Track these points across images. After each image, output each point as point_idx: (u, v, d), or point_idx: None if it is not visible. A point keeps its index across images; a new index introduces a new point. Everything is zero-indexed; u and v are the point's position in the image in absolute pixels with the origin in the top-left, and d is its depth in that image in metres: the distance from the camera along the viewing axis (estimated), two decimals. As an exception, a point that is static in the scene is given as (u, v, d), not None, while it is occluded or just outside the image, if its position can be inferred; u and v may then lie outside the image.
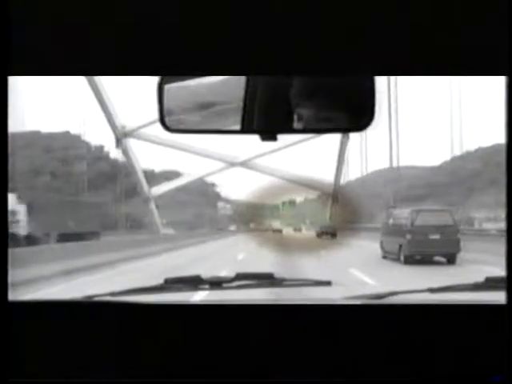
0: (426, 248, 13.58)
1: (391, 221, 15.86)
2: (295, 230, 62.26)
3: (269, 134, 1.37)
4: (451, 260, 13.53)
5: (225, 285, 2.03)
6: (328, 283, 2.14)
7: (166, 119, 1.36)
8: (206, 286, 2.00)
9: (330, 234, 29.71)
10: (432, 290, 1.90)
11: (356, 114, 1.30)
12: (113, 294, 1.89)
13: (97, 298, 1.80)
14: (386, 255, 15.17)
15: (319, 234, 30.73)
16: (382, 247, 15.78)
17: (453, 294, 1.88)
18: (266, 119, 1.32)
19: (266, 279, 2.11)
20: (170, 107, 1.36)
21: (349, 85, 1.30)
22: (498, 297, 1.57)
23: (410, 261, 13.48)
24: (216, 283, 2.01)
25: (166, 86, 1.34)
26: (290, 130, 1.32)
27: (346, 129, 1.36)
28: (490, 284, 1.88)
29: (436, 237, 13.65)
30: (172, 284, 1.98)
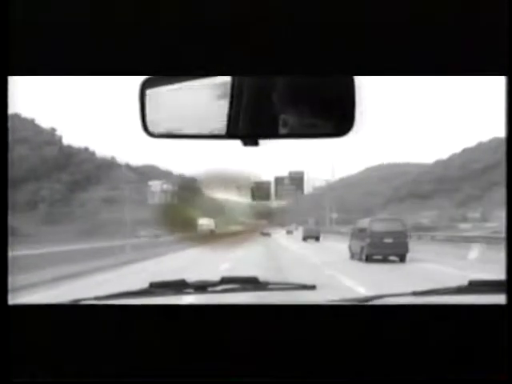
0: (382, 249, 18.97)
1: (356, 227, 21.34)
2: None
3: (253, 140, 1.57)
4: (402, 259, 18.76)
5: (210, 289, 2.25)
6: (313, 287, 2.42)
7: (148, 124, 1.53)
8: (191, 290, 2.22)
9: (314, 237, 37.29)
10: (416, 294, 2.16)
11: (342, 118, 1.49)
12: (98, 298, 2.12)
13: (93, 301, 2.03)
14: (352, 256, 20.43)
15: (304, 238, 37.81)
16: (350, 250, 21.07)
17: (436, 298, 2.12)
18: (251, 124, 1.51)
19: (250, 283, 2.34)
20: (152, 111, 1.53)
21: (334, 88, 1.49)
22: (482, 300, 1.82)
23: (370, 260, 18.70)
24: (201, 287, 2.24)
25: (148, 91, 1.51)
26: (276, 135, 1.51)
27: (331, 134, 1.54)
28: (472, 288, 2.15)
29: (389, 240, 18.98)
30: (157, 288, 2.20)
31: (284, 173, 47.15)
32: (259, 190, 46.20)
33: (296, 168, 46.76)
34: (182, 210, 55.11)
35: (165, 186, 57.22)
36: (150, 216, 53.10)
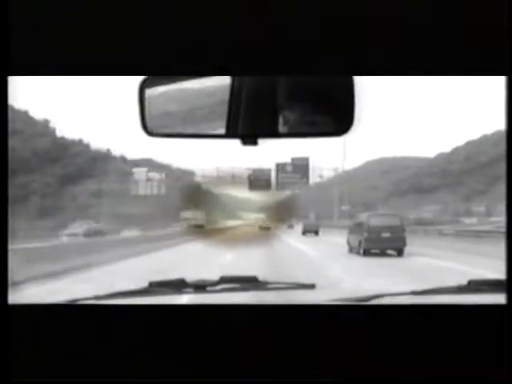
0: (379, 243, 19.98)
1: (355, 222, 22.75)
2: None
3: (252, 139, 1.61)
4: (399, 253, 19.70)
5: (209, 288, 2.30)
6: (312, 286, 2.48)
7: (148, 123, 1.57)
8: (191, 290, 2.27)
9: (313, 231, 39.12)
10: (415, 293, 2.21)
11: (342, 117, 1.54)
12: (97, 297, 2.17)
13: (92, 301, 2.08)
14: (351, 250, 21.51)
15: (303, 232, 39.36)
16: (349, 243, 22.20)
17: (436, 297, 2.17)
18: (251, 124, 1.55)
19: (250, 282, 2.39)
20: (152, 111, 1.57)
21: (334, 88, 1.53)
22: (482, 299, 1.87)
23: (368, 254, 19.64)
24: (200, 287, 2.29)
25: (147, 90, 1.55)
26: (275, 134, 1.56)
27: (331, 133, 1.60)
28: (472, 287, 2.21)
29: (387, 235, 19.94)
30: (156, 287, 2.26)
31: (286, 159, 40.86)
32: (258, 179, 40.65)
33: (300, 154, 40.99)
34: (168, 202, 49.44)
35: (151, 174, 49.09)
36: (129, 210, 49.13)
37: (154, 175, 48.30)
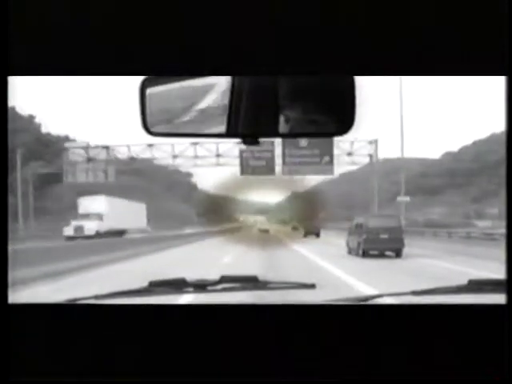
0: (378, 244, 21.09)
1: (354, 224, 23.58)
2: None
3: (253, 138, 1.69)
4: (398, 254, 20.88)
5: (209, 288, 2.37)
6: (312, 286, 2.57)
7: (148, 122, 1.64)
8: (191, 289, 2.34)
9: (314, 233, 41.41)
10: (415, 293, 2.30)
11: (342, 117, 1.60)
12: (97, 296, 2.25)
13: (92, 301, 2.16)
14: (350, 251, 22.81)
15: (305, 234, 41.78)
16: (348, 245, 23.45)
17: (436, 297, 2.24)
18: (251, 123, 1.62)
19: (250, 282, 2.47)
20: (153, 110, 1.63)
21: (334, 87, 1.59)
22: (481, 299, 1.94)
23: (366, 255, 20.70)
24: (201, 286, 2.36)
25: (148, 89, 1.61)
26: (276, 133, 1.63)
27: (331, 133, 1.68)
28: (472, 287, 2.27)
29: (385, 236, 21.05)
30: (156, 287, 2.33)
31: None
32: (255, 157, 28.71)
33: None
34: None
35: (94, 152, 36.54)
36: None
37: (99, 153, 36.44)
